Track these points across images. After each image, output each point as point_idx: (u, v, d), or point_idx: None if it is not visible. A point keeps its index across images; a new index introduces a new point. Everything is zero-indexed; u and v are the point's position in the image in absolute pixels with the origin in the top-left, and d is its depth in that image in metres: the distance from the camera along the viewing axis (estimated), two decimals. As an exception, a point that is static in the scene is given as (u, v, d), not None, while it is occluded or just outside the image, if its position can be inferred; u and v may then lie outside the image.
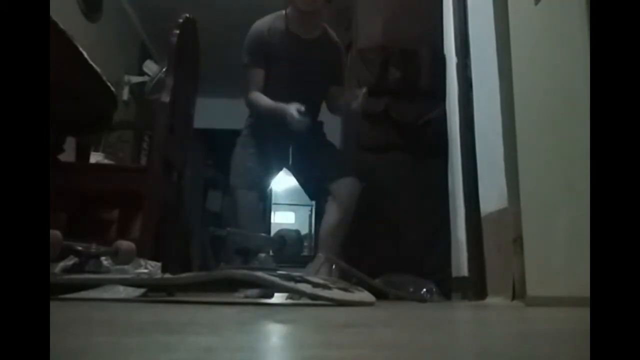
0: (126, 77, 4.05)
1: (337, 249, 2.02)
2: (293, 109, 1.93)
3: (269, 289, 1.44)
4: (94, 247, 1.41)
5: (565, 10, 1.26)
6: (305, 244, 5.70)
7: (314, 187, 2.26)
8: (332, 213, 2.05)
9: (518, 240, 1.41)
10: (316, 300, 1.10)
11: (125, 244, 1.49)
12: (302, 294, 1.14)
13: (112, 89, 1.85)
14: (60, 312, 0.73)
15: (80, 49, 1.57)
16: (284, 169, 2.32)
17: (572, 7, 1.22)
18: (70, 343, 0.41)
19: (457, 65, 2.23)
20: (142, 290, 1.34)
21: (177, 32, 2.01)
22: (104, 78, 1.75)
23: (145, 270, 1.51)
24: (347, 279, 1.66)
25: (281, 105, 2.01)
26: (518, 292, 1.41)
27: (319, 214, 5.97)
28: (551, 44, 1.34)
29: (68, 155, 2.18)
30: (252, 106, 2.21)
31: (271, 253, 1.31)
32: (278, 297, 1.59)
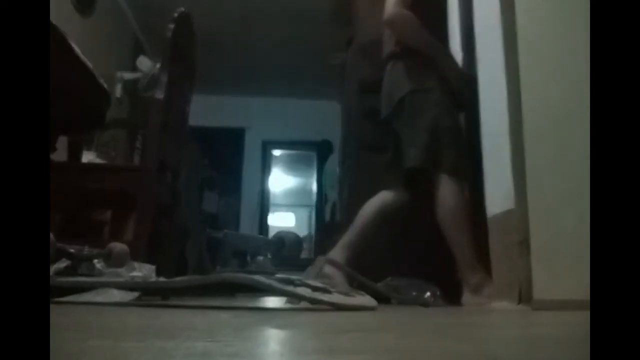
0: (119, 74, 4.02)
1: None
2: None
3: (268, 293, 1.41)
4: (86, 250, 1.40)
5: (575, 5, 1.24)
6: (305, 246, 5.67)
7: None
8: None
9: (524, 243, 1.39)
10: (316, 305, 1.08)
11: (118, 246, 1.47)
12: (301, 298, 1.11)
13: (105, 86, 1.81)
14: (52, 316, 0.71)
15: (73, 45, 1.54)
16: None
17: (581, 2, 1.19)
18: (65, 347, 0.41)
19: (463, 60, 2.20)
20: (136, 294, 1.31)
21: (172, 26, 1.97)
22: (97, 75, 1.72)
23: (140, 274, 1.49)
24: (349, 282, 1.63)
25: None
26: (524, 296, 1.38)
27: (320, 216, 5.96)
28: (560, 39, 1.31)
29: (60, 154, 2.14)
30: (408, 28, 1.86)
31: (269, 256, 1.28)
32: (276, 302, 1.57)
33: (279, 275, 1.15)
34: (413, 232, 2.15)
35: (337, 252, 1.86)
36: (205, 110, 4.50)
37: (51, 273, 1.30)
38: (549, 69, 1.36)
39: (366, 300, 1.26)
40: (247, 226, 5.77)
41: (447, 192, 1.76)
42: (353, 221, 1.91)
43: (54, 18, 1.39)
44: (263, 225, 6.05)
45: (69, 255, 1.35)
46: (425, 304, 1.60)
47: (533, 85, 1.43)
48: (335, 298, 1.12)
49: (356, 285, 1.62)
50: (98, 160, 2.59)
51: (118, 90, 3.96)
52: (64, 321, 0.67)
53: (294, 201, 7.83)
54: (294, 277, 1.15)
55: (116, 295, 1.26)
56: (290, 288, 1.07)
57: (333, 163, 4.52)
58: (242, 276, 1.15)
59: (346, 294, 1.20)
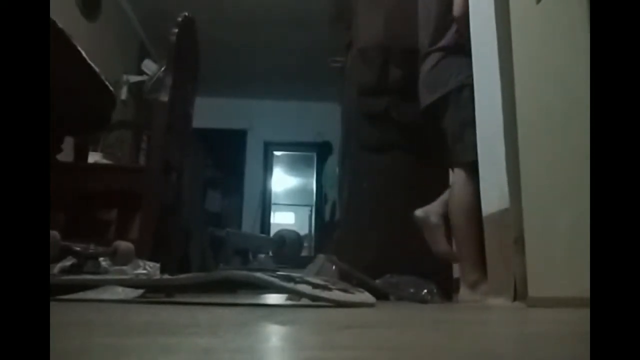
0: (125, 77, 4.05)
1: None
2: None
3: (269, 290, 1.43)
4: (92, 248, 1.40)
5: (567, 8, 1.26)
6: (305, 244, 5.69)
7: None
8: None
9: (519, 241, 1.40)
10: (316, 302, 1.09)
11: (123, 245, 1.48)
12: (302, 295, 1.12)
13: (111, 88, 1.84)
14: (58, 313, 0.72)
15: (79, 48, 1.57)
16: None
17: (573, 6, 1.21)
18: (69, 344, 0.41)
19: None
20: (140, 291, 1.33)
21: (176, 31, 2.00)
22: (103, 77, 1.75)
23: (144, 271, 1.51)
24: (348, 280, 1.65)
25: None
26: (519, 293, 1.40)
27: (320, 215, 5.98)
28: (553, 43, 1.33)
29: (66, 155, 2.17)
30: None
31: (270, 254, 1.30)
32: (277, 298, 1.59)
33: (280, 273, 1.16)
34: (411, 230, 2.18)
35: (437, 205, 1.91)
36: (209, 112, 4.53)
37: (57, 271, 1.32)
38: (543, 69, 1.37)
39: (365, 297, 1.27)
40: (249, 225, 5.79)
41: (465, 188, 1.80)
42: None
43: (60, 21, 1.42)
44: (265, 224, 6.07)
45: (75, 254, 1.35)
46: (422, 300, 1.62)
47: (527, 85, 1.44)
48: (335, 295, 1.13)
49: (355, 282, 1.64)
50: (104, 161, 2.61)
51: (124, 93, 4.00)
52: (68, 319, 0.68)
53: (294, 200, 7.83)
54: (294, 274, 1.16)
55: (121, 292, 1.28)
56: (291, 285, 1.08)
57: (332, 164, 4.56)
58: (244, 273, 1.16)
59: (346, 291, 1.22)
